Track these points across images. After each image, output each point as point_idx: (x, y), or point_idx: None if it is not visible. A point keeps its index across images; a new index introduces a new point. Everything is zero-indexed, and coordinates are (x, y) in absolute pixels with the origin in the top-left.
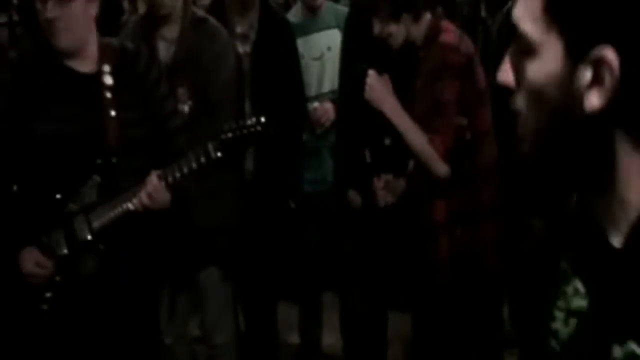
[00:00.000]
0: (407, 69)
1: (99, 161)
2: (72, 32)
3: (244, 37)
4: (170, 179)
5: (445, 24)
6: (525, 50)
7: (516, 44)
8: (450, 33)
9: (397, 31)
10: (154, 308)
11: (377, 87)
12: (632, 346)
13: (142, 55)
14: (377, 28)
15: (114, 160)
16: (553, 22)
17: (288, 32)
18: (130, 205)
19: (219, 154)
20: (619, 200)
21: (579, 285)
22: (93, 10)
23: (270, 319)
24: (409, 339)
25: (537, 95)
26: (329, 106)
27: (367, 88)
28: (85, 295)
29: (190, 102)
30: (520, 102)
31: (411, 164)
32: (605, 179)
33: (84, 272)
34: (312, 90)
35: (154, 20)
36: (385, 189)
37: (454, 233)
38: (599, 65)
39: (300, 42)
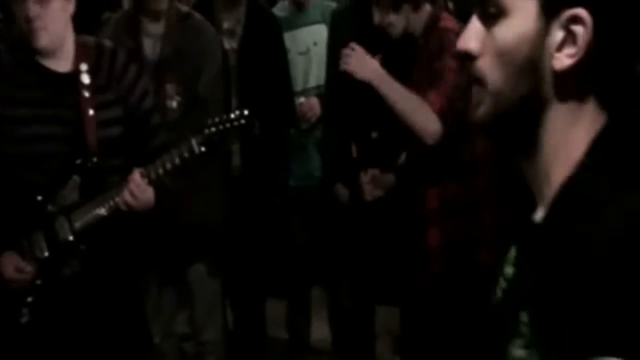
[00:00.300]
0: (406, 59)
1: (78, 161)
2: (51, 32)
3: (231, 33)
4: (153, 175)
5: (445, 14)
6: (495, 13)
7: (483, 9)
8: (450, 21)
9: (397, 21)
10: (141, 307)
11: (354, 56)
12: (524, 317)
13: (119, 53)
14: (377, 17)
15: (94, 160)
16: None
17: (275, 27)
18: (112, 204)
19: (202, 149)
20: (545, 174)
21: (513, 252)
22: (71, 8)
23: (259, 315)
24: (397, 333)
25: (505, 57)
26: (314, 101)
27: (342, 59)
28: (69, 297)
29: (178, 98)
30: (482, 67)
31: (402, 157)
32: (535, 150)
33: (66, 275)
34: (298, 85)
35: (139, 16)
36: (372, 183)
37: (447, 224)
38: (572, 25)
39: (287, 37)
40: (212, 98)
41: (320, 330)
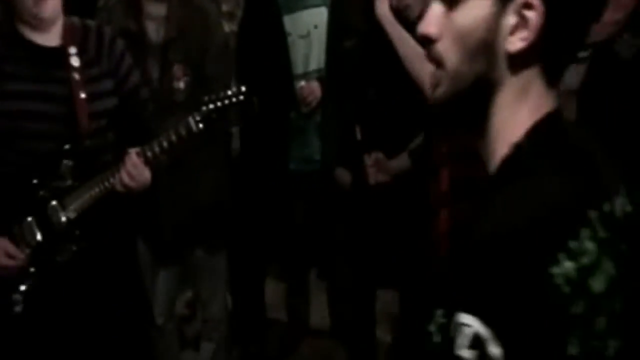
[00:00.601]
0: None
1: (71, 142)
2: (55, 2)
3: (231, 15)
4: (149, 154)
5: None
6: None
7: None
8: None
9: (414, 3)
10: (141, 289)
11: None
12: None
13: (105, 30)
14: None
15: (87, 143)
16: None
17: (274, 10)
18: (108, 186)
19: (200, 127)
20: (491, 153)
21: None
22: None
23: (258, 297)
24: (397, 317)
25: (463, 39)
26: (315, 85)
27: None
28: (64, 284)
29: (186, 79)
30: (441, 49)
31: (417, 140)
32: (485, 130)
33: (60, 261)
34: (298, 69)
35: None
36: (375, 166)
37: (456, 205)
38: (524, 10)
39: (287, 20)
40: (219, 77)
41: (319, 313)
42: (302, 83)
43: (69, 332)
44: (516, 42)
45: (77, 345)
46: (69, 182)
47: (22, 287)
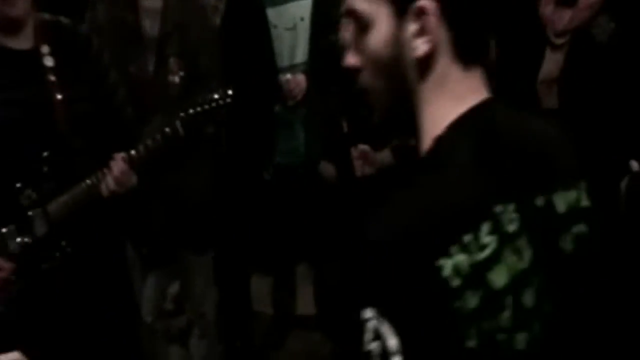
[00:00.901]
0: None
1: (50, 150)
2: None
3: (214, 9)
4: (135, 158)
5: None
6: (364, 27)
7: (354, 26)
8: None
9: None
10: (129, 289)
11: None
12: None
13: (80, 28)
14: None
15: (67, 146)
16: None
17: (257, 2)
18: (93, 192)
19: (186, 130)
20: (422, 146)
21: None
22: None
23: (244, 290)
24: None
25: (378, 63)
26: (301, 77)
27: None
28: (51, 289)
29: (181, 73)
30: (365, 78)
31: (400, 136)
32: (418, 133)
33: (45, 268)
34: (285, 61)
35: None
36: (362, 158)
37: None
38: (421, 16)
39: (273, 13)
40: (213, 73)
41: (305, 307)
42: (288, 76)
43: (58, 336)
44: (421, 47)
45: (66, 348)
46: (50, 188)
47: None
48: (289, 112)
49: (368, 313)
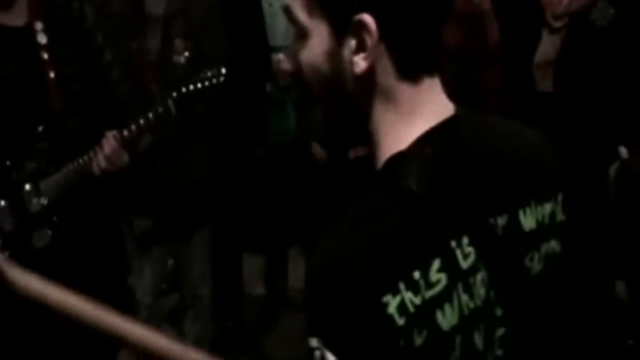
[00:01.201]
0: None
1: (43, 126)
2: None
3: None
4: (127, 137)
5: None
6: (301, 35)
7: (295, 31)
8: None
9: None
10: (124, 269)
11: None
12: None
13: (73, 5)
14: None
15: (60, 124)
16: (315, 6)
17: None
18: (85, 170)
19: (178, 109)
20: (376, 163)
21: None
22: None
23: (236, 270)
24: None
25: (315, 73)
26: None
27: None
28: (42, 270)
29: (187, 54)
30: (308, 82)
31: None
32: (370, 143)
33: (38, 246)
34: (279, 40)
35: None
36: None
37: None
38: (360, 32)
39: None
40: (218, 54)
41: (297, 287)
42: (280, 55)
43: (47, 320)
44: (360, 63)
45: (58, 331)
46: (43, 165)
47: None
48: (281, 92)
49: (314, 342)
